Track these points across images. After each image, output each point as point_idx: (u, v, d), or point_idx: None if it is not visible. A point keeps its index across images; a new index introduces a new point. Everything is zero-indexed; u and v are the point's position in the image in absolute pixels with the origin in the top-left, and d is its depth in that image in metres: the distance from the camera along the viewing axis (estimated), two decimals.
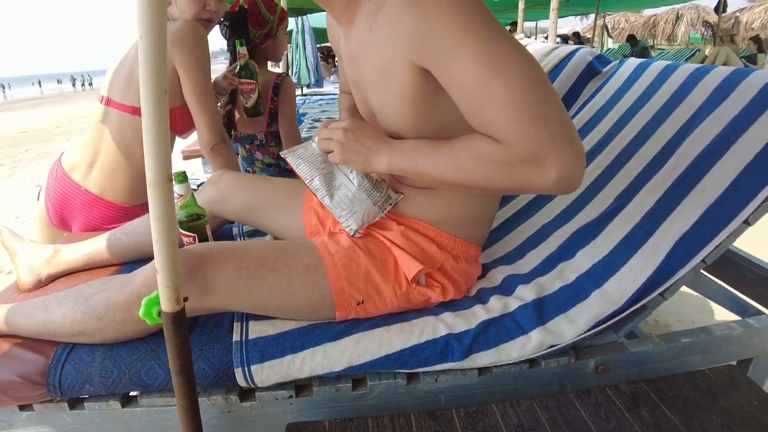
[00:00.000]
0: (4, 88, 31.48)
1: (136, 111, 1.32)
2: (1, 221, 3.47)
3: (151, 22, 0.50)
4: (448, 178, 0.72)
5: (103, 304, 0.83)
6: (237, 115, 1.81)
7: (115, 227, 1.35)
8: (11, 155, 6.10)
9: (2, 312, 0.91)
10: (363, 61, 0.78)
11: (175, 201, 1.08)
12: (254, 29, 1.63)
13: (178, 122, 1.39)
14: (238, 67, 1.55)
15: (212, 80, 1.60)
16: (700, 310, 1.90)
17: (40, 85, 34.83)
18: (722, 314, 1.81)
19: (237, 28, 1.61)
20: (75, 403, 0.89)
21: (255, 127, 1.77)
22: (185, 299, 0.65)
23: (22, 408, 0.89)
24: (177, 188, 1.01)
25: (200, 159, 2.76)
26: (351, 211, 0.88)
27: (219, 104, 1.73)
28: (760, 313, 1.07)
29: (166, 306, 0.64)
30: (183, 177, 1.01)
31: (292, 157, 0.90)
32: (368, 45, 0.75)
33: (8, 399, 0.86)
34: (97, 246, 1.17)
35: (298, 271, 0.82)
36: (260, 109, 1.63)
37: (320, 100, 4.38)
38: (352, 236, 0.90)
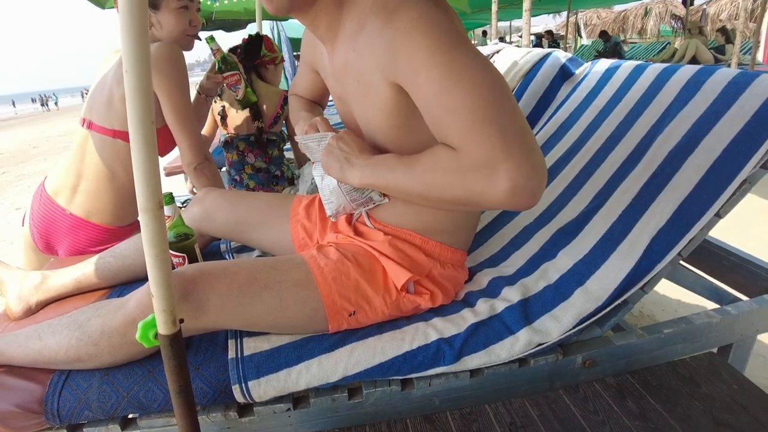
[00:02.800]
0: None
1: (117, 134, 1.32)
2: None
3: (136, 56, 0.51)
4: (411, 189, 0.73)
5: (98, 330, 0.83)
6: (230, 118, 1.86)
7: (101, 249, 1.35)
8: None
9: None
10: (347, 78, 0.80)
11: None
12: (267, 51, 1.88)
13: (160, 143, 1.39)
14: (217, 65, 1.54)
15: (198, 84, 1.62)
16: (682, 298, 1.95)
17: (14, 105, 33.85)
18: (704, 301, 1.86)
19: (252, 48, 1.86)
20: (74, 429, 0.89)
21: (257, 125, 1.83)
22: (181, 321, 0.66)
23: None
24: (165, 210, 1.02)
25: (183, 175, 2.75)
26: (328, 201, 0.93)
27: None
28: (738, 300, 1.11)
29: (163, 329, 0.65)
30: (170, 198, 1.02)
31: (302, 142, 0.93)
32: (352, 63, 0.77)
33: (6, 430, 0.85)
34: (85, 270, 1.17)
35: (290, 287, 0.83)
36: (252, 97, 1.63)
37: None
38: (337, 245, 0.93)
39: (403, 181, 0.73)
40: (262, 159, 1.89)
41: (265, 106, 1.87)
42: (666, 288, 1.97)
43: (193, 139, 1.33)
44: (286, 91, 1.88)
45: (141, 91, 0.52)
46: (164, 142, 1.39)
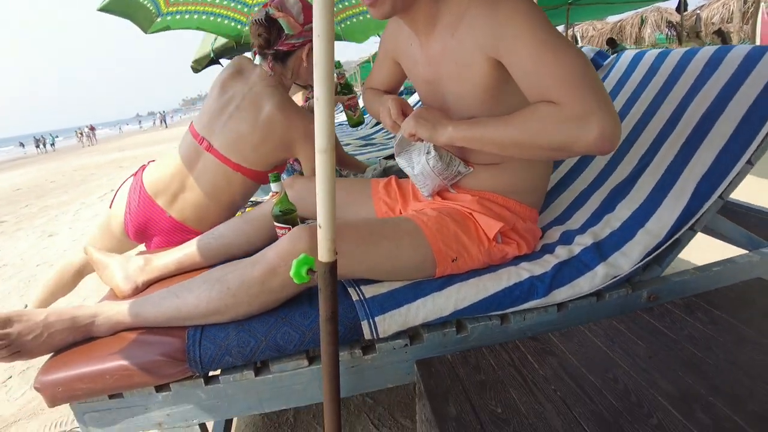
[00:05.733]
0: None
1: (238, 168, 1.43)
2: (24, 270, 3.54)
3: (324, 23, 0.67)
4: (505, 137, 0.87)
5: (237, 281, 0.95)
6: None
7: None
8: (12, 212, 6.13)
9: (124, 307, 1.02)
10: (444, 61, 0.97)
11: (269, 198, 1.24)
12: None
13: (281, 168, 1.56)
14: (338, 88, 1.70)
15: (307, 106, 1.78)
16: None
17: (23, 146, 33.64)
18: None
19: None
20: (210, 378, 1.00)
21: None
22: (336, 253, 0.81)
23: (158, 389, 0.98)
24: (273, 186, 1.18)
25: None
26: (423, 184, 1.10)
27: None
28: None
29: (324, 257, 0.78)
30: (277, 177, 1.17)
31: (394, 140, 1.10)
32: (450, 47, 0.94)
33: (152, 378, 0.95)
34: (187, 251, 1.29)
35: (403, 236, 0.98)
36: (362, 119, 1.81)
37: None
38: (430, 208, 1.09)
39: (497, 132, 0.88)
40: None
41: None
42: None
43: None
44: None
45: (326, 53, 0.68)
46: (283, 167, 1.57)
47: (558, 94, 0.81)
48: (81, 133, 27.23)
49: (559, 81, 0.80)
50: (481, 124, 0.91)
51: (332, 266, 0.80)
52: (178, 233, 1.51)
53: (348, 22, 3.26)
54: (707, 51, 1.30)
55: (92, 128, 28.07)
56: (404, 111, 1.07)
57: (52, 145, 28.21)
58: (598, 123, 0.78)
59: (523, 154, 0.93)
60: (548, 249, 1.10)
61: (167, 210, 1.48)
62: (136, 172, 1.56)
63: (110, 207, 1.58)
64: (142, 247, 1.64)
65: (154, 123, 48.77)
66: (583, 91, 0.79)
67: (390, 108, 1.06)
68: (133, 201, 1.51)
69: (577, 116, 0.79)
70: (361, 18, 3.21)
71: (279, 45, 1.38)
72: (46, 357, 0.99)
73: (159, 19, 2.59)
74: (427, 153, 1.05)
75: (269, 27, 1.36)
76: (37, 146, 27.58)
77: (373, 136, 3.22)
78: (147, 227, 1.51)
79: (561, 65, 0.80)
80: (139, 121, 67.77)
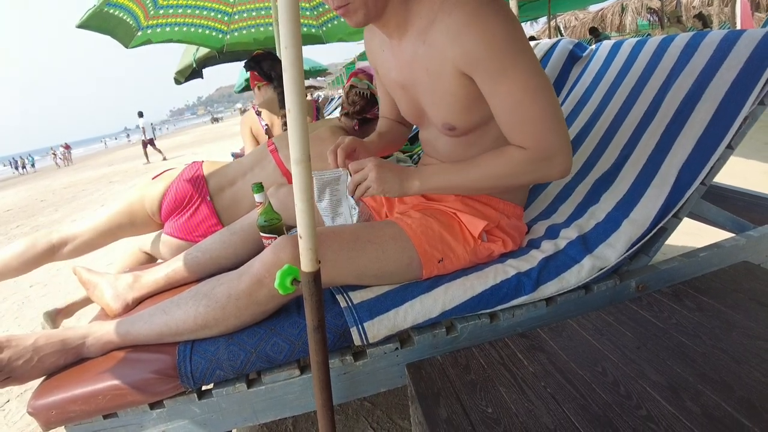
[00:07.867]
0: None
1: (288, 176, 1.57)
2: (18, 292, 3.50)
3: (292, 35, 0.67)
4: (477, 181, 0.95)
5: (225, 294, 0.95)
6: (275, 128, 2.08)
7: (197, 240, 1.51)
8: (3, 232, 6.07)
9: (114, 326, 1.01)
10: (415, 67, 0.95)
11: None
12: None
13: None
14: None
15: None
16: None
17: (11, 165, 32.88)
18: None
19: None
20: (203, 392, 0.99)
21: None
22: (318, 262, 0.80)
23: (152, 407, 0.98)
24: (256, 197, 1.17)
25: None
26: None
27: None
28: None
29: (307, 267, 0.78)
30: (260, 187, 1.17)
31: (316, 178, 1.03)
32: (421, 54, 0.92)
33: (145, 396, 0.94)
34: (175, 266, 1.29)
35: (388, 240, 0.98)
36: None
37: None
38: (414, 209, 1.08)
39: (466, 178, 0.95)
40: None
41: None
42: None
43: None
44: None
45: (295, 67, 0.67)
46: None
47: (530, 138, 0.89)
48: (54, 153, 24.77)
49: (532, 125, 0.87)
50: (448, 171, 0.96)
51: (316, 275, 0.80)
52: (204, 220, 1.56)
53: (329, 25, 3.25)
54: (683, 38, 1.30)
55: (67, 147, 25.04)
56: (357, 152, 1.05)
57: (33, 165, 26.53)
58: (561, 163, 0.90)
59: (491, 191, 1.03)
60: (534, 244, 1.10)
61: (211, 194, 1.57)
62: (194, 162, 1.67)
63: (153, 179, 1.64)
64: (147, 241, 1.68)
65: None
66: (552, 134, 0.88)
67: (336, 155, 1.02)
68: (186, 175, 1.59)
69: (544, 158, 0.89)
70: (342, 19, 3.21)
71: (369, 114, 1.64)
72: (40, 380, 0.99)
73: (140, 33, 2.57)
74: (353, 208, 1.04)
75: (369, 100, 1.62)
76: (16, 168, 25.69)
77: None
78: (184, 202, 1.56)
79: (536, 108, 0.86)
80: (127, 134, 67.15)
